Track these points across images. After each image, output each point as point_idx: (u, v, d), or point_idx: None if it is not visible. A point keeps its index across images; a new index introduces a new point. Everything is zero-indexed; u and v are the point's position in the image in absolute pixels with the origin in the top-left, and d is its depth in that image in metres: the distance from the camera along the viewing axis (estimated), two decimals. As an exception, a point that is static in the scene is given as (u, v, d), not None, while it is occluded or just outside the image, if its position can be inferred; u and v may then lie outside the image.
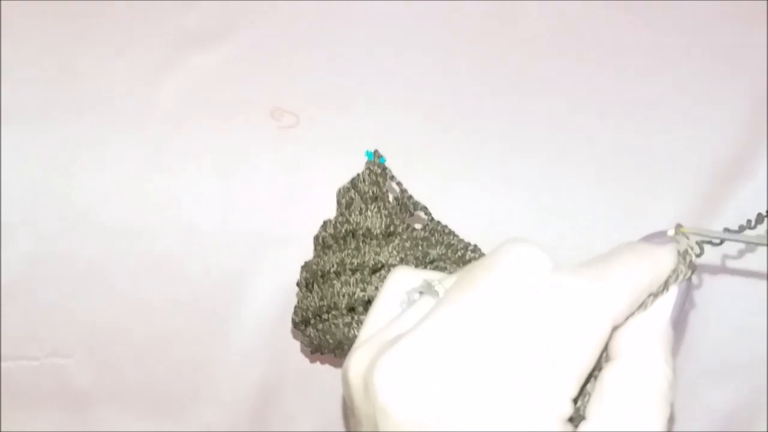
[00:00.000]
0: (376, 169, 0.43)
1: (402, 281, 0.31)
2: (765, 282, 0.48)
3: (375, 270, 0.41)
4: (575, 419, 0.27)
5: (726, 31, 0.50)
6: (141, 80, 0.50)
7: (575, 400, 0.26)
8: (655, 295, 0.28)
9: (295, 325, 0.44)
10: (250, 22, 0.51)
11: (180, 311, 0.50)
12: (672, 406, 0.27)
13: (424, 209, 0.43)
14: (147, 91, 0.50)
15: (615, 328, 0.27)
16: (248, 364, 0.50)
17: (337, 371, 0.48)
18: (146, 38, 0.51)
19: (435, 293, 0.29)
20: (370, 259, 0.41)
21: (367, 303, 0.40)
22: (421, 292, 0.30)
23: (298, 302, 0.43)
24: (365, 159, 0.43)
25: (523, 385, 0.24)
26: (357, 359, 0.27)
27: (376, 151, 0.43)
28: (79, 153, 0.50)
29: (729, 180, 0.49)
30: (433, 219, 0.43)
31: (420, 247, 0.41)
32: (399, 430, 0.25)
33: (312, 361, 0.50)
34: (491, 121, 0.50)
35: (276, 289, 0.49)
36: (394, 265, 0.38)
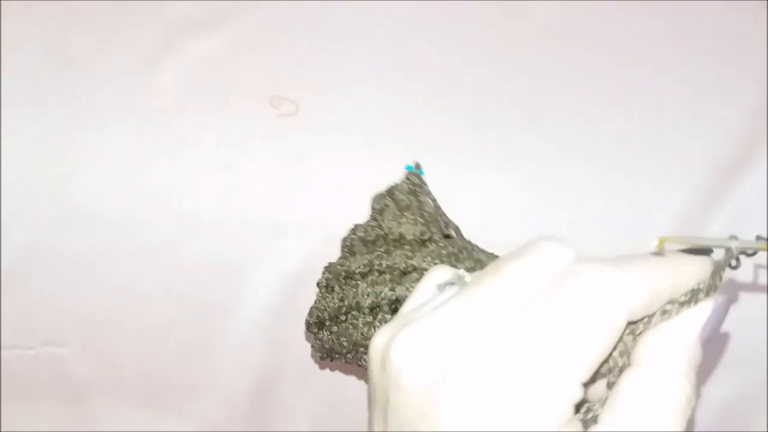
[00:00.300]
0: (415, 180, 0.43)
1: (440, 278, 0.31)
2: (765, 276, 0.48)
3: (405, 273, 0.41)
4: (587, 423, 0.26)
5: (727, 29, 0.50)
6: (138, 68, 0.50)
7: (583, 401, 0.26)
8: (680, 304, 0.27)
9: (308, 327, 0.43)
10: (248, 9, 0.51)
11: (178, 301, 0.50)
12: (687, 423, 0.27)
13: (456, 229, 0.43)
14: (144, 80, 0.50)
15: (633, 327, 0.27)
16: (247, 355, 0.50)
17: (336, 363, 0.48)
18: (143, 25, 0.51)
19: (465, 284, 0.29)
20: (401, 261, 0.41)
21: (394, 302, 0.40)
22: (452, 283, 0.30)
23: (315, 303, 0.43)
24: (404, 170, 0.43)
25: (533, 367, 0.24)
26: (380, 336, 0.27)
27: (417, 164, 0.43)
28: (76, 142, 0.50)
29: (730, 177, 0.49)
30: (463, 238, 0.43)
31: (450, 259, 0.41)
32: (407, 399, 0.25)
33: (312, 352, 0.50)
34: (494, 112, 0.50)
35: (275, 279, 0.49)
36: (425, 269, 0.38)
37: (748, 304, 0.48)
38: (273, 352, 0.50)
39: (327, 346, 0.43)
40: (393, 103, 0.50)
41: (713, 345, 0.48)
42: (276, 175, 0.49)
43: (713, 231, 0.48)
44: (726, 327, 0.47)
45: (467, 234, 0.45)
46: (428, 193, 0.43)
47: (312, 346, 0.44)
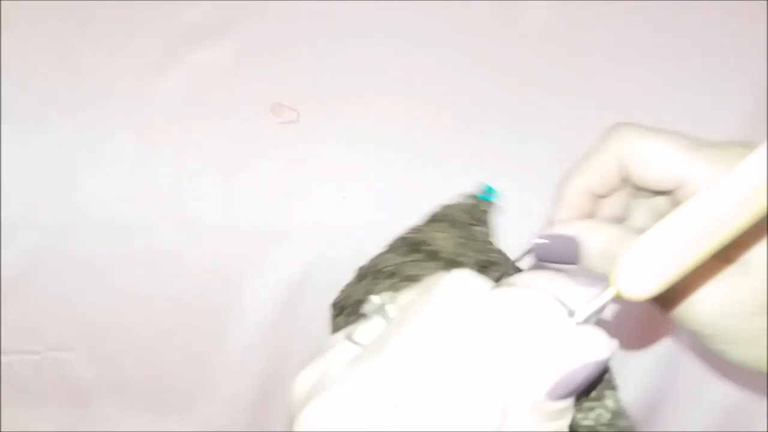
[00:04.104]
0: (481, 204, 0.42)
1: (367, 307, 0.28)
2: (764, 276, 0.48)
3: None
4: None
5: (726, 29, 0.50)
6: (142, 76, 0.50)
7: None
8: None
9: (333, 305, 0.43)
10: (251, 19, 0.51)
11: (181, 306, 0.50)
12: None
13: (502, 266, 0.42)
14: (148, 88, 0.50)
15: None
16: (249, 358, 0.50)
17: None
18: (147, 34, 0.51)
19: (386, 314, 0.27)
20: (427, 275, 0.40)
21: None
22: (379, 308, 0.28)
23: (345, 286, 0.43)
24: (479, 190, 0.42)
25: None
26: (303, 377, 0.26)
27: (489, 188, 0.42)
28: (81, 149, 0.50)
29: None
30: (507, 272, 0.42)
31: None
32: None
33: (313, 355, 0.50)
34: (493, 118, 0.50)
35: (277, 283, 0.49)
36: None
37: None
38: (275, 356, 0.50)
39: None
40: (393, 111, 0.50)
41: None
42: (277, 182, 0.50)
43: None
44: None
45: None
46: (486, 222, 0.42)
47: (330, 325, 0.44)
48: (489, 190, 0.42)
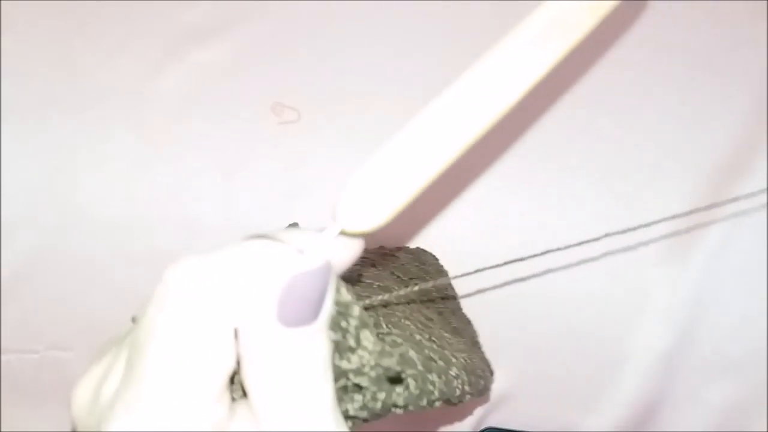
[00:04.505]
0: None
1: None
2: (764, 277, 0.48)
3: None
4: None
5: (726, 29, 0.50)
6: (142, 76, 0.50)
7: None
8: None
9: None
10: (251, 18, 0.51)
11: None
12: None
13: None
14: (148, 87, 0.50)
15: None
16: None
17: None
18: (147, 34, 0.51)
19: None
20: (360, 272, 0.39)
21: None
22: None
23: None
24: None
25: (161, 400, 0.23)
26: (81, 397, 0.26)
27: None
28: (80, 148, 0.50)
29: (729, 178, 0.49)
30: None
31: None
32: None
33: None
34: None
35: (277, 284, 0.49)
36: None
37: (747, 305, 0.49)
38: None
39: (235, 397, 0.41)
40: (394, 111, 0.50)
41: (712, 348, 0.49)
42: (278, 182, 0.50)
43: (713, 231, 0.48)
44: (725, 329, 0.48)
45: (466, 238, 0.46)
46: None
47: None
48: None
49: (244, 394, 0.25)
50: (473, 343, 0.42)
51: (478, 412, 0.49)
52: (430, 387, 0.31)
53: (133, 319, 0.28)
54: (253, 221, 0.49)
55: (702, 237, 0.48)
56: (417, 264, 0.45)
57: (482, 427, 0.49)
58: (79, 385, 0.26)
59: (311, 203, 0.49)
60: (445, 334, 0.38)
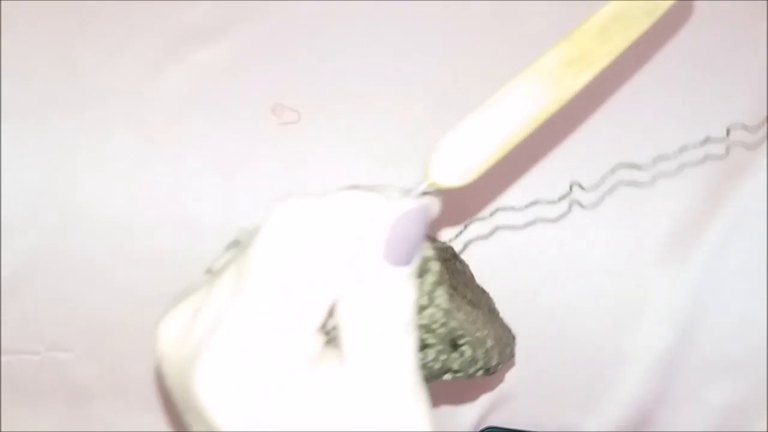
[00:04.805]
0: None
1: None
2: (764, 277, 0.48)
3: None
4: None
5: (726, 29, 0.50)
6: (142, 76, 0.51)
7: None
8: None
9: None
10: (251, 19, 0.51)
11: (181, 306, 0.50)
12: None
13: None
14: (148, 88, 0.50)
15: None
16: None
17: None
18: (147, 34, 0.51)
19: (238, 243, 0.29)
20: None
21: None
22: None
23: None
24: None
25: (261, 329, 0.24)
26: (170, 330, 0.27)
27: None
28: (81, 149, 0.50)
29: (729, 177, 0.49)
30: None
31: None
32: (171, 386, 0.26)
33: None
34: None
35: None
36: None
37: (747, 305, 0.49)
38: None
39: None
40: (393, 111, 0.50)
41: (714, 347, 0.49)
42: (278, 183, 0.50)
43: (713, 231, 0.48)
44: (725, 329, 0.48)
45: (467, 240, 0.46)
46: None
47: None
48: None
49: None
50: (491, 311, 0.43)
51: (479, 411, 0.49)
52: (478, 355, 0.32)
53: (208, 271, 0.30)
54: (253, 221, 0.49)
55: (702, 237, 0.48)
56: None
57: (482, 427, 0.49)
58: (166, 322, 0.27)
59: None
60: (467, 306, 0.38)
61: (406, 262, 0.25)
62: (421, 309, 0.28)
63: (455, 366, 0.31)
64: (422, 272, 0.28)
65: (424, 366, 0.30)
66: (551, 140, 0.50)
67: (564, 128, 0.50)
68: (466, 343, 0.31)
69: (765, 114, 0.49)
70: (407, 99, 0.50)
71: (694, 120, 0.50)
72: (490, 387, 0.49)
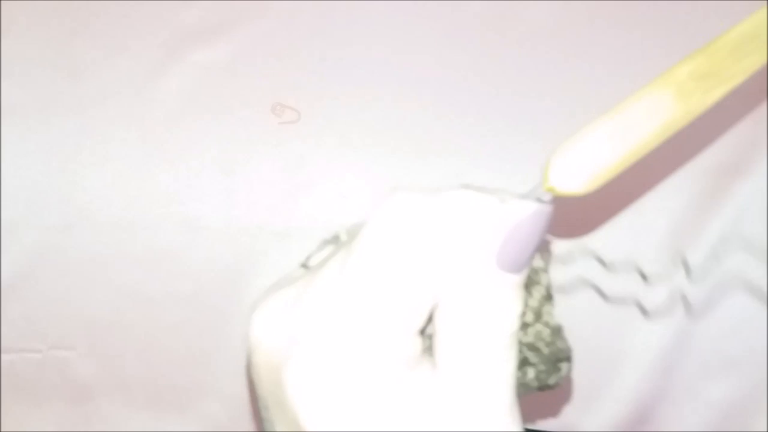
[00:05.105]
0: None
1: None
2: (764, 277, 0.48)
3: None
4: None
5: (726, 29, 0.50)
6: (142, 76, 0.51)
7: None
8: None
9: None
10: (251, 19, 0.51)
11: (182, 305, 0.50)
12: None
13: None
14: (148, 87, 0.50)
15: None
16: (249, 358, 0.50)
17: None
18: (148, 34, 0.51)
19: (337, 240, 0.28)
20: None
21: None
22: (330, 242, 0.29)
23: None
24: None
25: (364, 324, 0.23)
26: (264, 322, 0.26)
27: None
28: (81, 148, 0.50)
29: (730, 177, 0.49)
30: None
31: None
32: (259, 377, 0.25)
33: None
34: (492, 118, 0.50)
35: (277, 283, 0.49)
36: None
37: (747, 305, 0.49)
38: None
39: None
40: (393, 110, 0.50)
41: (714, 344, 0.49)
42: (278, 182, 0.50)
43: (713, 231, 0.49)
44: (725, 328, 0.48)
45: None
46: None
47: None
48: None
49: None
50: None
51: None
52: (570, 370, 0.30)
53: (303, 265, 0.29)
54: (253, 221, 0.50)
55: (702, 237, 0.48)
56: None
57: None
58: (260, 312, 0.26)
59: (311, 203, 0.49)
60: None
61: (519, 269, 0.24)
62: (526, 326, 0.27)
63: (552, 382, 0.29)
64: (531, 284, 0.26)
65: (522, 385, 0.28)
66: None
67: (564, 129, 0.50)
68: (566, 360, 0.29)
69: (765, 114, 0.49)
70: (407, 99, 0.50)
71: (693, 121, 0.49)
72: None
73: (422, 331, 0.24)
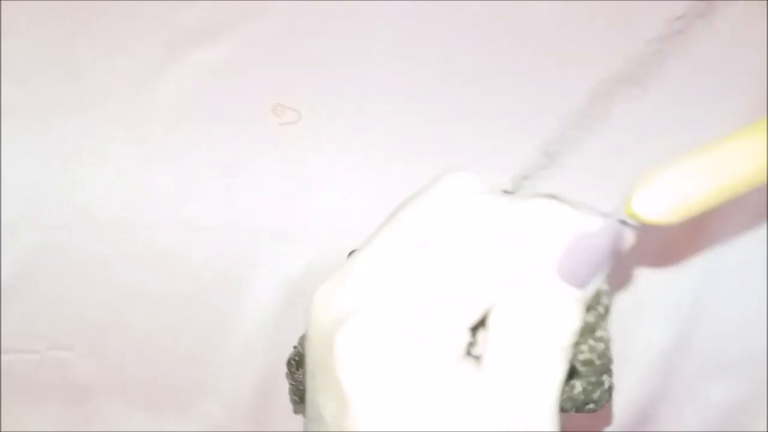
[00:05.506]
0: None
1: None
2: (764, 276, 0.48)
3: None
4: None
5: (726, 29, 0.50)
6: (142, 76, 0.51)
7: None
8: None
9: (288, 365, 0.41)
10: (251, 18, 0.51)
11: (181, 305, 0.50)
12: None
13: None
14: (148, 87, 0.50)
15: None
16: (249, 358, 0.50)
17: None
18: (147, 34, 0.51)
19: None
20: None
21: None
22: None
23: (299, 340, 0.41)
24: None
25: (422, 305, 0.23)
26: (323, 294, 0.26)
27: None
28: (81, 148, 0.50)
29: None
30: None
31: None
32: (313, 350, 0.25)
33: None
34: (495, 119, 0.50)
35: (277, 284, 0.49)
36: None
37: (747, 305, 0.49)
38: (275, 355, 0.50)
39: (302, 388, 0.40)
40: (394, 112, 0.50)
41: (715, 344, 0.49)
42: (278, 182, 0.50)
43: (713, 231, 0.49)
44: (725, 328, 0.48)
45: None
46: None
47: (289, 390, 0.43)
48: None
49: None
50: None
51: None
52: (606, 387, 0.30)
53: (350, 254, 0.28)
54: (253, 221, 0.50)
55: (702, 237, 0.49)
56: None
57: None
58: (319, 290, 0.26)
59: (311, 203, 0.49)
60: None
61: (581, 284, 0.24)
62: (578, 344, 0.26)
63: (596, 397, 0.29)
64: (592, 305, 0.26)
65: (568, 399, 0.28)
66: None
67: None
68: (608, 373, 0.29)
69: (765, 114, 0.49)
70: (407, 99, 0.50)
71: (694, 120, 0.50)
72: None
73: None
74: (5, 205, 0.50)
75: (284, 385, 0.50)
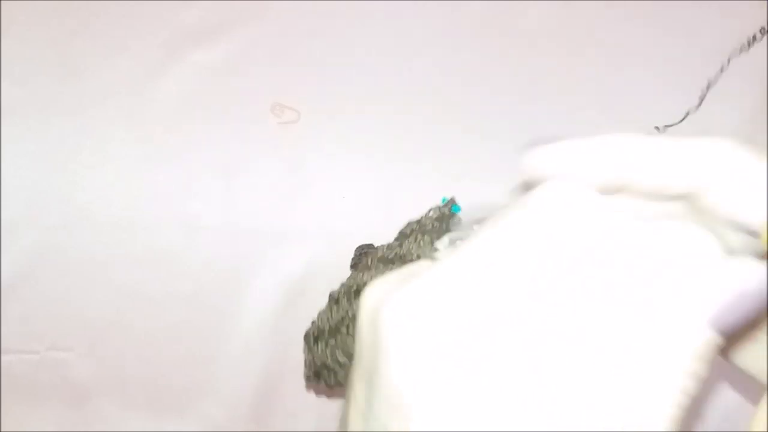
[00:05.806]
0: (446, 210, 0.42)
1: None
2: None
3: None
4: None
5: (726, 29, 0.50)
6: (142, 76, 0.51)
7: None
8: None
9: (306, 338, 0.42)
10: (251, 19, 0.51)
11: (181, 305, 0.50)
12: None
13: None
14: (148, 88, 0.50)
15: None
16: (249, 358, 0.50)
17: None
18: (147, 35, 0.51)
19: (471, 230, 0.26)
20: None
21: None
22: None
23: (318, 314, 0.42)
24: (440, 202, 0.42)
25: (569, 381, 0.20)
26: (375, 288, 0.24)
27: (452, 199, 0.42)
28: (81, 149, 0.50)
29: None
30: None
31: None
32: (389, 373, 0.21)
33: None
34: (492, 121, 0.50)
35: (276, 283, 0.49)
36: None
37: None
38: (275, 355, 0.50)
39: (318, 362, 0.41)
40: (392, 112, 0.50)
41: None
42: (277, 182, 0.50)
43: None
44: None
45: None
46: (457, 224, 0.42)
47: (305, 363, 0.43)
48: (445, 200, 0.42)
49: None
50: None
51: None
52: None
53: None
54: (253, 221, 0.49)
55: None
56: None
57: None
58: (373, 285, 0.24)
59: (311, 203, 0.49)
60: None
61: (726, 333, 0.21)
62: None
63: None
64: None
65: None
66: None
67: (564, 129, 0.50)
68: None
69: (765, 114, 0.49)
70: (407, 99, 0.50)
71: (694, 120, 0.49)
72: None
73: None
74: (5, 205, 0.50)
75: (284, 386, 0.51)
